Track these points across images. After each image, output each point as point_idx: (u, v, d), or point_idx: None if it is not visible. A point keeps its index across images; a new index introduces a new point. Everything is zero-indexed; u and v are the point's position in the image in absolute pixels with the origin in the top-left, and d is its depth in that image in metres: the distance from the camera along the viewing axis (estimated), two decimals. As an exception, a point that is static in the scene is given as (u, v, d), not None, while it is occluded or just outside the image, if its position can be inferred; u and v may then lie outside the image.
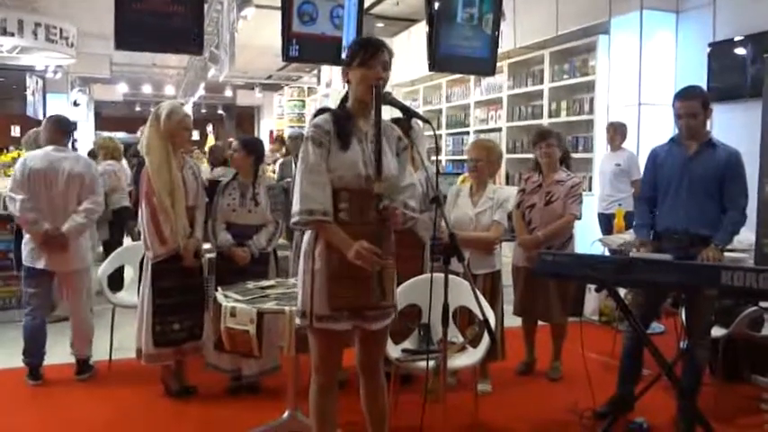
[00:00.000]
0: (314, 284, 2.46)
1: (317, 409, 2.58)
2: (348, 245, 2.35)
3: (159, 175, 3.62)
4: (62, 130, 4.25)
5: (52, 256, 4.03)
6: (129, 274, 4.99)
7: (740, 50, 5.76)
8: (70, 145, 4.51)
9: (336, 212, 2.42)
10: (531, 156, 7.72)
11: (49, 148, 4.17)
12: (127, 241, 6.72)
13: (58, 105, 13.99)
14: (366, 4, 5.80)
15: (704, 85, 5.55)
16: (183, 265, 3.72)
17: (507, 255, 4.68)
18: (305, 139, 2.48)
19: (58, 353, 4.37)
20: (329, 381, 2.57)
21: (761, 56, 5.40)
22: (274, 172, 8.09)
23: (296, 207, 2.42)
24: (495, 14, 5.96)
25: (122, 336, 4.39)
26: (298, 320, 2.56)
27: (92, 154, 7.54)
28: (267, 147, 9.44)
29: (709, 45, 6.05)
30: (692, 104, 3.41)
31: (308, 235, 2.54)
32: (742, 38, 5.74)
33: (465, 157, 7.71)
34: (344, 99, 2.56)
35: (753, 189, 3.58)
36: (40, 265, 4.05)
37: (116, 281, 4.85)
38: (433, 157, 6.48)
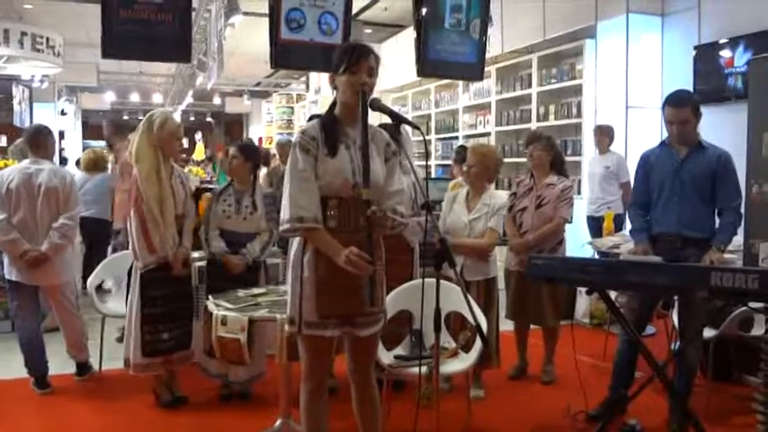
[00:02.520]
0: (302, 292, 2.46)
1: (307, 415, 2.58)
2: (338, 251, 2.34)
3: (149, 184, 3.59)
4: (39, 141, 4.18)
5: (32, 270, 3.99)
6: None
7: (726, 53, 5.81)
8: (57, 154, 4.46)
9: (325, 219, 2.42)
10: (520, 160, 7.79)
11: (26, 161, 4.14)
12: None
13: (45, 115, 13.89)
14: (354, 11, 5.80)
15: (690, 88, 5.59)
16: (172, 274, 3.70)
17: (501, 259, 4.69)
18: (293, 146, 2.48)
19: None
20: (319, 386, 2.57)
21: (746, 58, 5.44)
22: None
23: (285, 214, 2.41)
24: (483, 19, 5.98)
25: (112, 345, 4.36)
26: (287, 327, 2.55)
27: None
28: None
29: (695, 48, 6.10)
30: (683, 111, 3.41)
31: (295, 243, 2.52)
32: (727, 40, 5.79)
33: (451, 162, 7.73)
34: (333, 105, 2.55)
35: (741, 190, 3.60)
36: (21, 278, 4.02)
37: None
38: (422, 162, 6.49)
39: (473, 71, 6.16)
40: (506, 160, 8.48)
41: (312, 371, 2.54)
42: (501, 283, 4.18)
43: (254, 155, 4.04)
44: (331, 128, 2.48)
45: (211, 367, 3.88)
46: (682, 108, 3.41)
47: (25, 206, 3.98)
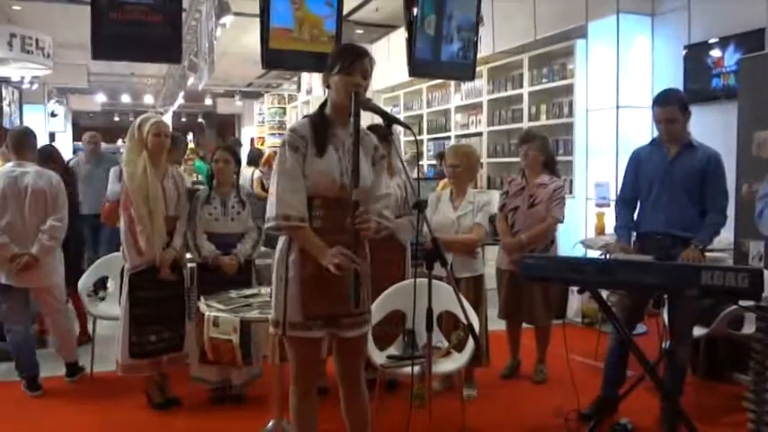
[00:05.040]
0: (287, 292, 2.44)
1: (297, 416, 2.57)
2: (323, 251, 2.33)
3: (136, 185, 3.59)
4: (23, 144, 4.15)
5: (21, 273, 3.97)
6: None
7: (715, 52, 5.84)
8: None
9: (310, 219, 2.40)
10: (512, 159, 7.80)
11: (11, 164, 4.11)
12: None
13: (35, 117, 13.83)
14: (345, 11, 5.79)
15: (680, 87, 5.61)
16: (160, 277, 3.69)
17: (491, 258, 4.70)
18: (281, 144, 2.46)
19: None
20: (308, 389, 2.55)
21: (736, 58, 5.47)
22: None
23: (271, 212, 2.39)
24: (475, 20, 5.99)
25: (103, 347, 4.34)
26: (271, 329, 2.53)
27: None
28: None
29: (685, 47, 6.12)
30: (670, 110, 3.45)
31: (280, 242, 2.51)
32: (717, 40, 5.81)
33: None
34: (323, 105, 2.53)
35: (731, 190, 3.63)
36: (10, 281, 4.00)
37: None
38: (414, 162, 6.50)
39: (465, 71, 6.17)
40: (498, 160, 8.54)
41: (301, 373, 2.52)
42: (490, 283, 4.18)
43: (237, 156, 4.10)
44: (321, 127, 2.46)
45: (210, 375, 3.85)
46: (668, 106, 3.45)
47: (12, 209, 3.96)
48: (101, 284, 5.06)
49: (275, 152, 10.10)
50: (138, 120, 3.74)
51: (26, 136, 4.23)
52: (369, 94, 2.53)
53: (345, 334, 2.49)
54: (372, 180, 2.50)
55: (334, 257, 2.30)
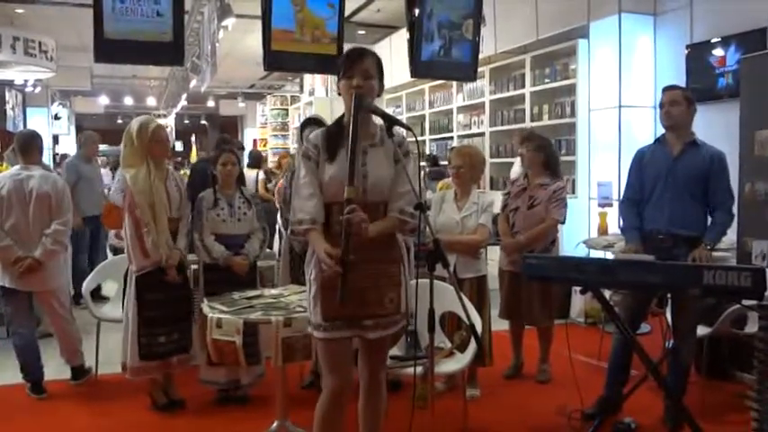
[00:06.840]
0: (311, 293, 2.50)
1: (321, 421, 2.53)
2: (320, 250, 2.37)
3: (140, 190, 3.59)
4: (30, 147, 4.17)
5: (25, 277, 3.98)
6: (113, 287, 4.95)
7: (717, 51, 5.84)
8: (52, 158, 4.46)
9: (331, 225, 2.44)
10: (515, 160, 7.80)
11: (17, 167, 4.13)
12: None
13: (38, 120, 13.89)
14: (347, 12, 5.80)
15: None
16: (167, 278, 3.70)
17: (494, 258, 4.70)
18: (298, 155, 2.57)
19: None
20: (340, 386, 2.51)
21: (738, 57, 5.47)
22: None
23: (291, 219, 2.51)
24: (476, 20, 5.99)
25: (107, 349, 4.35)
26: (309, 329, 2.59)
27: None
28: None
29: (687, 47, 6.12)
30: (673, 93, 3.52)
31: (309, 246, 2.56)
32: (719, 39, 5.81)
33: (444, 163, 7.75)
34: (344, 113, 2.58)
35: (734, 189, 3.63)
36: (14, 285, 4.01)
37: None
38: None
39: (466, 72, 6.16)
40: (501, 160, 8.54)
41: (330, 373, 2.51)
42: (493, 283, 4.18)
43: (240, 158, 4.17)
44: (332, 135, 2.50)
45: (218, 376, 3.86)
46: (673, 90, 3.55)
47: (17, 212, 3.97)
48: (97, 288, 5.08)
49: (287, 153, 10.19)
50: (136, 125, 3.69)
51: (33, 139, 4.25)
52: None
53: (369, 335, 2.49)
54: (393, 178, 2.51)
55: (322, 260, 2.34)
